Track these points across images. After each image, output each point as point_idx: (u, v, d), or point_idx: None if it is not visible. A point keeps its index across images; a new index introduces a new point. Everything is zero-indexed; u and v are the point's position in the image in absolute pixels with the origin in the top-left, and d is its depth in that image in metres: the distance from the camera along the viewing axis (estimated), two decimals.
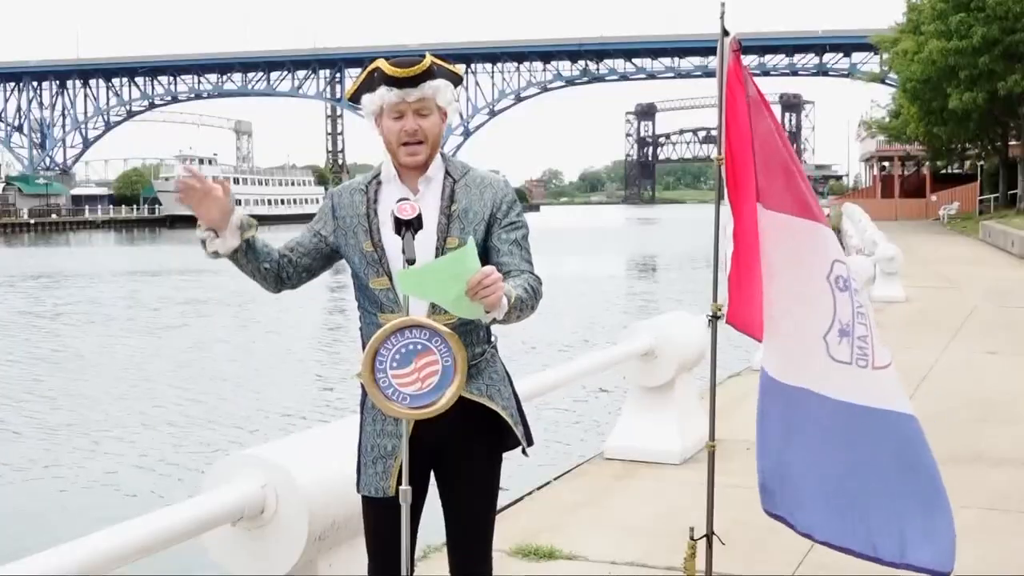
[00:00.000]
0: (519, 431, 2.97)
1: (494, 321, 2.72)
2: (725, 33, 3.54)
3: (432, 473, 3.01)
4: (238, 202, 2.92)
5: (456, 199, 2.91)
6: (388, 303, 2.89)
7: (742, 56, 3.64)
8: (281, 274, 2.95)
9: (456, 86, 2.97)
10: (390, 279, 2.88)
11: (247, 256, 2.87)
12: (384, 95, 2.87)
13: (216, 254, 2.84)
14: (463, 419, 2.83)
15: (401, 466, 2.84)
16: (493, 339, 3.00)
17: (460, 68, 3.04)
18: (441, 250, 2.85)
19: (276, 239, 3.15)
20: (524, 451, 3.01)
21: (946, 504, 3.43)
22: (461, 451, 2.94)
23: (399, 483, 2.84)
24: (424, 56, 2.90)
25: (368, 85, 2.91)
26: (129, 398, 15.44)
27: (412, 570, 2.83)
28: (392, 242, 2.84)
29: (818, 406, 3.50)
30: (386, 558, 2.93)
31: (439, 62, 2.94)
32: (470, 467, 2.95)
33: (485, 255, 2.88)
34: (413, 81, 2.85)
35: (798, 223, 3.50)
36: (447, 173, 2.96)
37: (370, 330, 2.89)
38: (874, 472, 3.44)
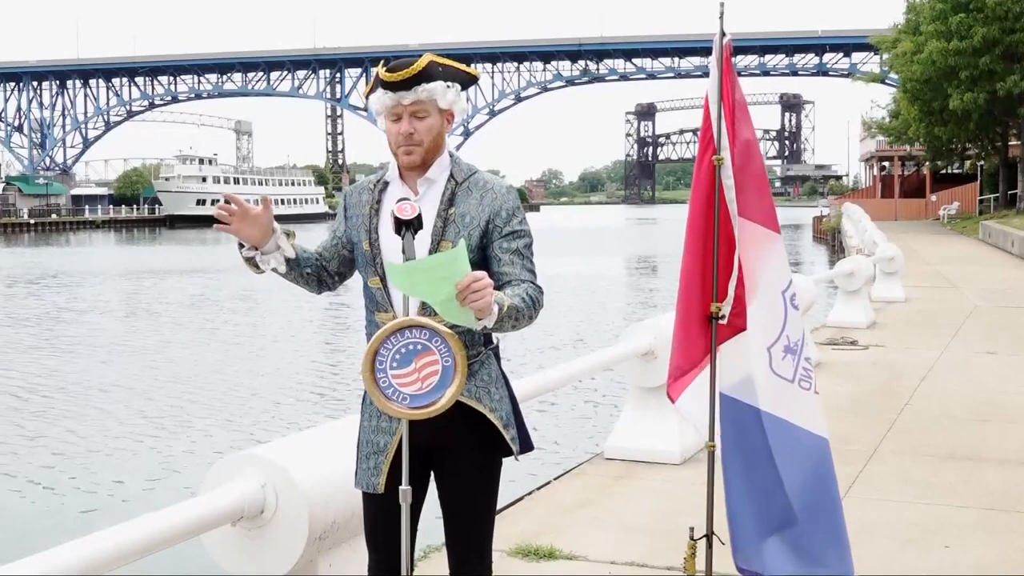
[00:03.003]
0: (509, 434, 2.92)
1: (485, 328, 2.70)
2: (723, 34, 3.54)
3: (432, 473, 3.00)
4: None
5: (455, 203, 2.90)
6: (383, 302, 2.90)
7: (743, 56, 3.65)
8: (321, 276, 3.01)
9: (466, 86, 2.95)
10: (382, 279, 2.90)
11: (294, 265, 2.91)
12: (381, 98, 2.89)
13: (266, 270, 2.87)
14: (455, 420, 2.82)
15: (392, 463, 2.88)
16: (495, 341, 2.98)
17: (474, 69, 3.02)
18: (435, 253, 2.83)
19: None
20: (515, 456, 2.98)
21: (842, 526, 3.52)
22: (454, 451, 2.93)
23: (392, 481, 2.85)
24: (421, 57, 2.88)
25: (373, 87, 2.93)
26: (128, 397, 15.44)
27: (412, 568, 2.83)
28: (387, 242, 2.85)
29: (753, 418, 3.53)
30: (384, 553, 2.95)
31: (444, 62, 2.91)
32: (465, 467, 2.94)
33: (485, 263, 2.87)
34: (406, 84, 2.84)
35: (763, 233, 3.53)
36: (451, 175, 2.93)
37: (370, 329, 2.91)
38: (796, 490, 3.50)
